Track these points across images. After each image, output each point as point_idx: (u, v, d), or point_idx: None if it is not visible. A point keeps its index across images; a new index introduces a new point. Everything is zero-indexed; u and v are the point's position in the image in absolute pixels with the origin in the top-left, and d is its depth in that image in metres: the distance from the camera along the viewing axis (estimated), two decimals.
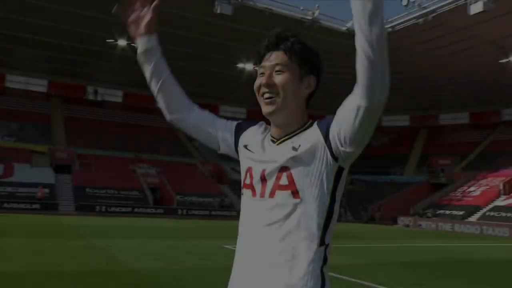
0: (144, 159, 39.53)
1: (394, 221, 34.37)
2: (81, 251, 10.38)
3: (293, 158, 1.41)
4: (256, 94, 1.51)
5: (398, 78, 44.20)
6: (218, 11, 30.83)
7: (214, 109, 54.15)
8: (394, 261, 11.29)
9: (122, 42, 37.60)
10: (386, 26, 35.78)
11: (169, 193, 34.23)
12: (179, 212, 31.46)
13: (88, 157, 36.51)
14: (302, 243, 1.37)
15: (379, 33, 1.24)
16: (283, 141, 1.49)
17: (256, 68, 1.54)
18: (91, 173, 34.26)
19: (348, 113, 1.32)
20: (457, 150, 47.41)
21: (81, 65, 44.52)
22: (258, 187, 1.47)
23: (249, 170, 1.53)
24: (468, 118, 53.46)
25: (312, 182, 1.40)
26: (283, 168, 1.42)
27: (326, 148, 1.39)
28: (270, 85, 1.44)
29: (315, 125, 1.46)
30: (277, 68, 1.45)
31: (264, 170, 1.46)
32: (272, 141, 1.53)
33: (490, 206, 33.49)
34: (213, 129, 1.70)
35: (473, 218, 32.43)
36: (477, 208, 33.87)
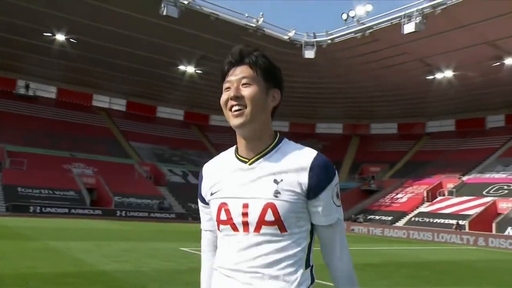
0: (79, 158, 38.41)
1: None
2: (43, 253, 10.30)
3: (277, 199, 1.42)
4: (224, 109, 1.50)
5: (335, 87, 46.37)
6: (164, 13, 30.85)
7: (152, 110, 54.24)
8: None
9: (60, 37, 36.46)
10: (326, 38, 37.85)
11: (107, 194, 33.59)
12: (118, 213, 31.00)
13: (19, 154, 34.90)
14: (291, 269, 1.40)
15: None
16: (255, 160, 1.49)
17: (223, 83, 1.52)
18: (23, 172, 32.81)
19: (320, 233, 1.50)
20: (386, 159, 50.39)
21: (13, 57, 42.43)
22: (239, 221, 1.44)
23: (223, 206, 1.48)
24: (397, 128, 57.01)
25: (296, 216, 1.44)
26: (268, 204, 1.42)
27: (305, 198, 1.45)
28: (238, 97, 1.44)
29: (300, 163, 1.45)
30: (244, 81, 1.46)
31: (246, 206, 1.44)
32: (243, 161, 1.51)
33: (415, 212, 36.09)
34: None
35: (400, 223, 34.78)
36: (404, 214, 36.35)
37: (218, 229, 1.50)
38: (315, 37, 38.28)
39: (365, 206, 40.82)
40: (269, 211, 1.41)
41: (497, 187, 35.84)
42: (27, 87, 48.13)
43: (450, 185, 38.36)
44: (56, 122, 44.79)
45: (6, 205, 28.21)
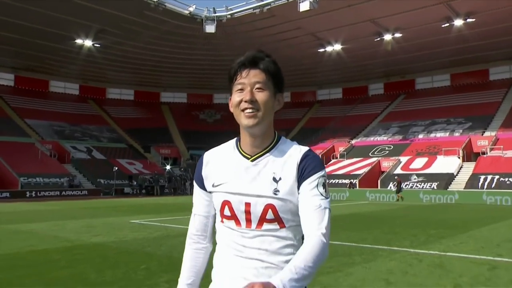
0: None
1: None
2: (24, 234, 11.16)
3: (276, 197, 1.56)
4: (234, 109, 1.60)
5: (232, 60, 48.27)
6: None
7: (44, 85, 51.78)
8: None
9: None
10: (226, 13, 39.47)
11: (11, 176, 32.51)
12: (28, 194, 30.42)
13: None
14: (290, 256, 1.56)
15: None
16: (258, 157, 1.62)
17: (234, 84, 1.62)
18: None
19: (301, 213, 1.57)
20: (282, 126, 53.98)
21: None
22: (242, 217, 1.58)
23: (226, 203, 1.60)
24: (290, 97, 61.03)
25: (293, 211, 1.57)
26: (268, 205, 1.55)
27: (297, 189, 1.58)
28: (253, 101, 1.54)
29: (294, 159, 1.60)
30: (257, 86, 1.56)
31: (248, 205, 1.57)
32: (245, 157, 1.63)
33: None
34: (212, 209, 1.74)
35: None
36: None
37: (222, 221, 1.64)
38: (215, 12, 39.73)
39: None
40: (270, 211, 1.55)
41: (380, 148, 41.24)
42: None
43: (341, 149, 43.08)
44: None
45: None
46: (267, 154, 1.62)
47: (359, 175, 35.42)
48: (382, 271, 6.91)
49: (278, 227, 1.57)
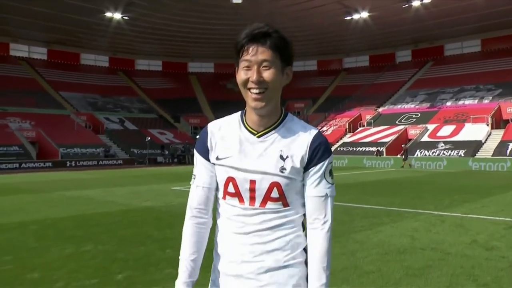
0: (13, 112, 38.06)
1: None
2: (82, 200, 12.46)
3: (282, 175, 1.55)
4: (241, 87, 1.56)
5: None
6: None
7: (76, 57, 53.21)
8: None
9: None
10: None
11: (51, 146, 34.30)
12: (68, 164, 32.17)
13: None
14: (291, 231, 1.60)
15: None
16: (265, 133, 1.60)
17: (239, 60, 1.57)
18: None
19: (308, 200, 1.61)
20: (309, 95, 54.47)
21: None
22: (246, 196, 1.57)
23: (231, 180, 1.59)
24: (316, 65, 61.09)
25: (297, 191, 1.60)
26: (273, 183, 1.55)
27: (303, 172, 1.59)
28: (260, 81, 1.50)
29: (303, 139, 1.59)
30: (265, 64, 1.51)
31: (253, 183, 1.56)
32: (251, 132, 1.61)
33: (340, 142, 40.85)
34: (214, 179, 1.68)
35: None
36: (330, 145, 40.96)
37: (224, 198, 1.62)
38: None
39: None
40: (275, 189, 1.56)
41: (407, 116, 41.44)
42: None
43: (368, 117, 43.43)
44: None
45: None
46: (274, 131, 1.60)
47: (386, 143, 35.89)
48: (408, 229, 7.80)
49: (281, 206, 1.57)
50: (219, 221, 1.68)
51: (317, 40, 53.24)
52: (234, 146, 1.60)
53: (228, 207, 1.62)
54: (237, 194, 1.59)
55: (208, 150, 1.65)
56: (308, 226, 1.60)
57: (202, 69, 61.30)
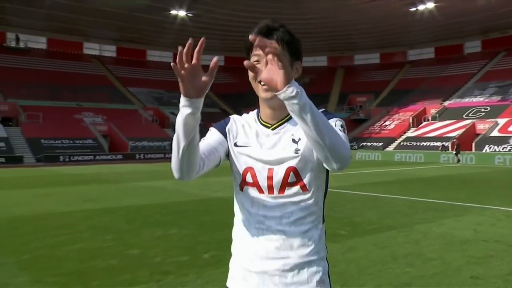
0: (86, 107, 40.73)
1: None
2: (157, 190, 13.58)
3: (297, 157, 1.58)
4: (252, 81, 1.61)
5: (319, 22, 48.70)
6: None
7: (142, 54, 55.71)
8: (370, 182, 16.01)
9: None
10: None
11: (121, 140, 36.46)
12: (137, 157, 34.12)
13: (31, 108, 37.05)
14: (313, 225, 1.62)
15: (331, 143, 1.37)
16: (278, 125, 1.65)
17: (250, 56, 1.61)
18: (40, 124, 35.22)
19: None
20: (371, 88, 53.84)
21: (0, 10, 43.02)
22: (264, 185, 1.60)
23: (249, 170, 1.63)
24: (379, 58, 60.17)
25: (315, 174, 1.60)
26: (290, 168, 1.58)
27: None
28: None
29: None
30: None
31: (271, 170, 1.60)
32: (266, 126, 1.67)
33: (403, 137, 40.27)
34: (216, 155, 1.66)
35: (391, 148, 39.02)
36: (393, 140, 40.51)
37: (241, 189, 1.66)
38: None
39: (356, 134, 44.69)
40: (291, 174, 1.58)
41: (475, 110, 40.07)
42: (17, 39, 48.87)
43: (433, 111, 42.43)
44: (50, 73, 46.14)
45: (37, 157, 30.94)
46: (287, 122, 1.64)
47: (451, 137, 35.04)
48: (472, 223, 8.05)
49: (300, 190, 1.59)
50: (238, 217, 1.71)
51: (379, 33, 52.48)
52: (252, 137, 1.67)
53: (246, 201, 1.64)
54: (255, 184, 1.62)
55: (226, 133, 1.71)
56: None
57: None
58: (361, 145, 41.19)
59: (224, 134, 1.71)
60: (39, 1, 39.83)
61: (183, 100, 1.49)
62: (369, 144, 41.02)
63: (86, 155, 32.33)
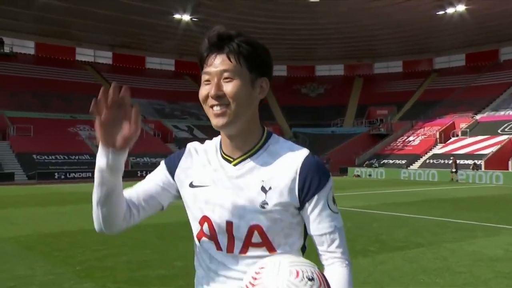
0: (81, 120, 42.09)
1: (342, 172, 40.99)
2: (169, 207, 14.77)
3: (264, 212, 1.44)
4: (203, 105, 1.47)
5: (335, 27, 50.09)
6: None
7: (141, 61, 57.31)
8: (395, 202, 17.14)
9: None
10: None
11: None
12: (139, 174, 35.27)
13: (21, 120, 38.39)
14: None
15: None
16: (241, 160, 1.51)
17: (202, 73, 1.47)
18: (31, 138, 36.58)
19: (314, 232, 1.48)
20: (393, 100, 54.89)
21: None
22: (223, 241, 1.48)
23: (206, 220, 1.50)
24: (402, 66, 61.42)
25: (287, 233, 1.48)
26: (253, 226, 1.45)
27: (297, 209, 1.48)
28: (220, 96, 1.42)
29: (290, 165, 1.47)
30: (225, 75, 1.42)
31: (230, 225, 1.46)
32: (227, 160, 1.52)
33: (429, 154, 41.31)
34: (155, 202, 1.59)
35: (415, 166, 40.03)
36: (417, 157, 41.53)
37: (199, 239, 1.53)
38: None
39: (377, 150, 45.78)
40: (255, 233, 1.45)
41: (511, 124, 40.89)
42: (1, 43, 50.35)
43: (463, 125, 43.48)
44: (40, 80, 47.58)
45: (29, 174, 32.22)
46: (253, 156, 1.51)
47: (485, 155, 35.96)
48: (503, 243, 9.10)
49: (267, 252, 1.46)
50: (197, 267, 1.59)
51: (403, 39, 53.73)
52: (209, 175, 1.53)
53: (204, 254, 1.53)
54: (213, 237, 1.50)
55: (174, 172, 1.59)
56: (323, 262, 1.50)
57: (274, 72, 62.84)
58: (382, 162, 42.24)
59: (173, 173, 1.59)
60: (27, 1, 41.36)
61: (100, 148, 1.36)
62: (391, 161, 42.07)
63: (84, 172, 33.58)
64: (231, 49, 1.43)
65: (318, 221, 1.48)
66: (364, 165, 42.02)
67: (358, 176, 39.46)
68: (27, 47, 52.76)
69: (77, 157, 35.81)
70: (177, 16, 45.64)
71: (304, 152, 1.49)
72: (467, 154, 37.59)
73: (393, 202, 17.07)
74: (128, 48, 56.10)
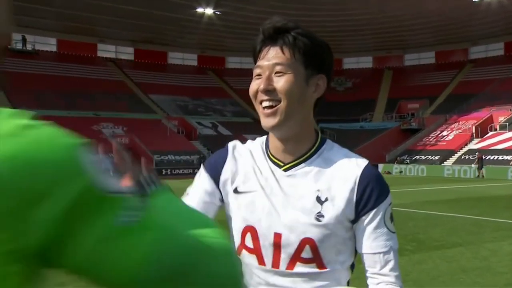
0: (104, 117, 42.87)
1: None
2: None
3: (319, 225, 1.38)
4: (253, 101, 1.42)
5: (362, 18, 49.84)
6: None
7: (163, 57, 57.93)
8: (430, 200, 17.17)
9: None
10: None
11: (145, 153, 38.28)
12: (164, 172, 35.84)
13: (45, 119, 38.18)
14: None
15: None
16: (293, 165, 1.44)
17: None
18: None
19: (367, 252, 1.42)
20: (425, 93, 54.10)
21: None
22: (268, 254, 1.41)
23: (249, 230, 1.43)
24: (434, 57, 60.64)
25: (339, 249, 1.42)
26: (305, 240, 1.38)
27: (351, 222, 1.42)
28: (270, 90, 1.36)
29: (349, 174, 1.41)
30: (277, 68, 1.37)
31: (278, 236, 1.39)
32: (277, 165, 1.46)
33: (464, 149, 40.81)
34: (212, 209, 1.51)
35: (449, 162, 39.64)
36: (452, 152, 41.09)
37: (239, 253, 1.45)
38: None
39: (408, 146, 45.36)
40: (307, 247, 1.38)
41: None
42: (24, 40, 51.41)
43: (502, 118, 42.71)
44: (62, 78, 48.52)
45: None
46: (306, 162, 1.44)
47: None
48: None
49: (316, 269, 1.40)
50: None
51: (436, 28, 53.03)
52: (257, 181, 1.46)
53: (245, 267, 1.41)
54: (256, 250, 1.43)
55: (219, 177, 1.51)
56: (373, 286, 1.42)
57: None
58: (414, 159, 41.95)
59: (218, 181, 1.51)
60: None
61: None
62: (423, 157, 41.73)
63: None
64: (286, 42, 1.38)
65: (373, 238, 1.41)
66: (396, 162, 41.71)
67: (389, 173, 39.24)
68: (49, 44, 53.83)
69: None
70: (199, 9, 46.07)
71: (363, 162, 1.45)
72: (506, 149, 37.07)
73: (427, 200, 17.13)
74: (150, 43, 56.75)
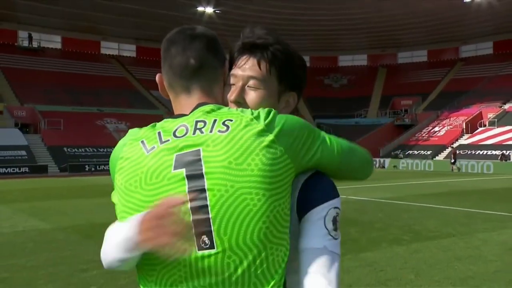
0: (108, 113, 43.19)
1: None
2: None
3: None
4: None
5: (358, 17, 50.22)
6: None
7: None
8: (424, 193, 17.64)
9: None
10: None
11: None
12: None
13: (51, 114, 39.57)
14: None
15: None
16: None
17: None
18: (61, 132, 37.72)
19: None
20: (418, 90, 54.86)
21: (10, 7, 45.47)
22: None
23: None
24: (427, 56, 61.17)
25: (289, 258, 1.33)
26: None
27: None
28: (240, 102, 1.34)
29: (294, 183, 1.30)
30: (251, 83, 1.34)
31: None
32: None
33: (455, 145, 41.37)
34: None
35: (441, 156, 40.22)
36: (443, 147, 41.69)
37: None
38: None
39: (401, 141, 46.00)
40: None
41: None
42: (30, 38, 51.66)
43: (490, 115, 43.34)
44: (67, 74, 48.85)
45: (61, 166, 33.37)
46: None
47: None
48: None
49: None
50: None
51: (428, 27, 53.52)
52: None
53: None
54: None
55: None
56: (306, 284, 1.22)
57: None
58: (407, 153, 42.47)
59: None
60: None
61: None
62: (416, 152, 42.29)
63: None
64: (264, 56, 1.35)
65: (309, 237, 1.29)
66: (390, 157, 42.24)
67: (383, 167, 39.70)
68: (54, 41, 54.04)
69: (105, 150, 36.73)
70: (200, 8, 46.28)
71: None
72: (495, 144, 37.64)
73: (421, 194, 17.58)
74: (152, 41, 56.99)
